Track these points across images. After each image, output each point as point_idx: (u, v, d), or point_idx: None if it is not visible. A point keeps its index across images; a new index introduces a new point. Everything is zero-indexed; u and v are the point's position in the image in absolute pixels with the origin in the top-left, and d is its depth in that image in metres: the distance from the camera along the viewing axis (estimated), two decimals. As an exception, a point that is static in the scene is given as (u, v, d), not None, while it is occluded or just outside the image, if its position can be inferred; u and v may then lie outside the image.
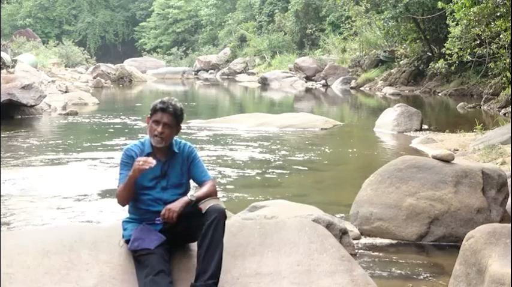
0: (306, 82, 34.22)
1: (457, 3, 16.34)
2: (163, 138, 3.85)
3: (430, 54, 27.01)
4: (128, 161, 3.88)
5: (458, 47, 17.65)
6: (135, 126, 14.98)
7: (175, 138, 3.98)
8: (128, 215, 3.98)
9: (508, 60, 17.16)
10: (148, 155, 3.88)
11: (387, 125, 14.52)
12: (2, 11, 53.72)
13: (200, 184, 3.96)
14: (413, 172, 6.36)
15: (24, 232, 4.77)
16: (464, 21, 16.26)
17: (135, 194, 3.89)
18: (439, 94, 25.40)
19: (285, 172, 9.81)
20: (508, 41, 16.56)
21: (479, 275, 3.86)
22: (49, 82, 23.36)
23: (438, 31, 26.07)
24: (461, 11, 15.97)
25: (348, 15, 33.66)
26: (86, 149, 11.66)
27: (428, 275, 5.21)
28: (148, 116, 3.91)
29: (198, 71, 48.87)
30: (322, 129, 14.77)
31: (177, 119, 3.88)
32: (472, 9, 15.57)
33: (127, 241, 3.83)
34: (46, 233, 4.08)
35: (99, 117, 17.63)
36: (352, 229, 6.18)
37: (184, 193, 3.92)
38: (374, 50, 32.26)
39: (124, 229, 3.90)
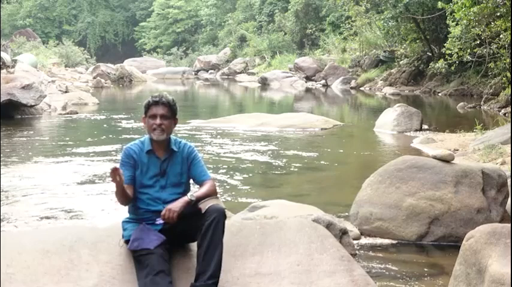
0: (306, 82, 34.22)
1: (457, 3, 16.33)
2: (164, 129, 3.87)
3: (430, 54, 27.01)
4: (127, 160, 3.89)
5: (458, 47, 17.65)
6: (134, 126, 14.99)
7: (174, 137, 3.99)
8: (127, 215, 3.98)
9: (508, 60, 17.16)
10: (147, 152, 3.90)
11: (387, 125, 14.52)
12: (2, 11, 53.73)
13: (200, 183, 3.96)
14: (414, 172, 6.35)
15: (24, 232, 4.77)
16: (464, 21, 16.25)
17: (135, 192, 3.89)
18: (439, 94, 25.40)
19: (285, 172, 9.81)
20: (508, 41, 16.55)
21: (479, 275, 3.86)
22: (49, 82, 23.37)
23: (438, 31, 26.08)
24: (461, 11, 15.96)
25: (348, 15, 33.67)
26: (86, 148, 11.65)
27: (428, 275, 5.21)
28: (143, 116, 3.93)
29: (198, 71, 48.88)
30: (322, 129, 14.77)
31: (172, 109, 3.91)
32: (472, 9, 15.57)
33: (127, 241, 3.82)
34: (46, 233, 4.08)
35: (99, 117, 17.64)
36: (352, 229, 6.17)
37: (184, 193, 3.92)
38: (374, 50, 32.27)
39: (124, 229, 3.90)
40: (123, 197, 3.82)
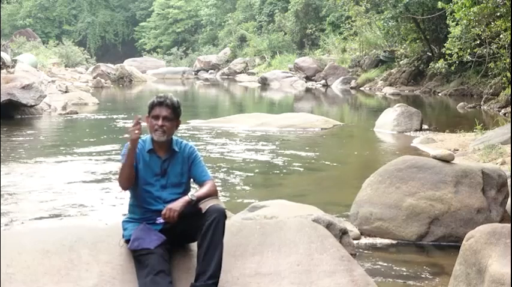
0: (306, 82, 34.23)
1: (457, 3, 16.33)
2: (165, 131, 3.86)
3: (430, 54, 27.01)
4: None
5: (458, 47, 17.65)
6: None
7: (176, 138, 3.99)
8: (128, 215, 3.98)
9: (508, 60, 17.16)
10: (149, 151, 3.90)
11: (387, 125, 14.52)
12: (2, 11, 53.71)
13: (200, 183, 3.96)
14: (414, 172, 6.35)
15: (24, 232, 4.76)
16: (464, 21, 16.25)
17: (136, 191, 3.89)
18: (439, 94, 25.41)
19: (285, 171, 9.81)
20: (508, 41, 16.55)
21: (479, 275, 3.86)
22: (49, 82, 23.36)
23: (438, 31, 26.08)
24: (461, 11, 15.96)
25: (348, 15, 33.67)
26: (86, 149, 11.65)
27: (428, 275, 5.21)
28: (147, 115, 3.92)
29: (198, 71, 48.88)
30: (322, 129, 14.77)
31: (175, 111, 3.91)
32: (472, 9, 15.57)
33: (127, 241, 3.82)
34: (46, 233, 4.08)
35: (99, 117, 17.65)
36: (352, 229, 6.17)
37: (184, 193, 3.92)
38: (374, 50, 32.27)
39: (124, 229, 3.90)
40: (129, 171, 3.77)
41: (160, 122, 3.85)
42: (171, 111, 3.88)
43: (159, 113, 3.86)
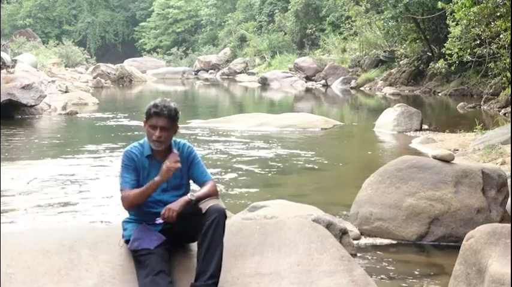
0: (306, 82, 34.22)
1: (457, 3, 16.34)
2: (162, 141, 3.83)
3: (430, 54, 27.02)
4: (129, 163, 3.84)
5: (458, 47, 17.65)
6: (134, 126, 15.00)
7: (174, 139, 3.97)
8: (128, 215, 3.97)
9: (508, 60, 17.16)
10: (147, 157, 3.87)
11: (387, 125, 14.52)
12: (2, 11, 53.70)
13: (200, 184, 3.95)
14: (413, 172, 6.35)
15: (24, 232, 4.76)
16: (464, 21, 16.26)
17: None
18: (439, 94, 25.41)
19: (285, 172, 9.81)
20: (508, 41, 16.56)
21: (479, 275, 3.86)
22: (49, 82, 23.36)
23: (438, 31, 26.08)
24: (461, 11, 15.96)
25: (348, 15, 33.67)
26: (86, 148, 11.66)
27: (428, 275, 5.21)
28: (144, 120, 3.89)
29: (198, 71, 48.87)
30: (322, 129, 14.77)
31: (173, 119, 3.85)
32: (472, 9, 15.57)
33: (127, 241, 3.82)
34: (46, 233, 4.07)
35: (99, 117, 17.64)
36: (352, 229, 6.17)
37: (184, 194, 3.90)
38: (374, 50, 32.26)
39: (124, 229, 3.89)
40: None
41: (157, 133, 3.80)
42: (168, 121, 3.81)
43: (156, 123, 3.80)
